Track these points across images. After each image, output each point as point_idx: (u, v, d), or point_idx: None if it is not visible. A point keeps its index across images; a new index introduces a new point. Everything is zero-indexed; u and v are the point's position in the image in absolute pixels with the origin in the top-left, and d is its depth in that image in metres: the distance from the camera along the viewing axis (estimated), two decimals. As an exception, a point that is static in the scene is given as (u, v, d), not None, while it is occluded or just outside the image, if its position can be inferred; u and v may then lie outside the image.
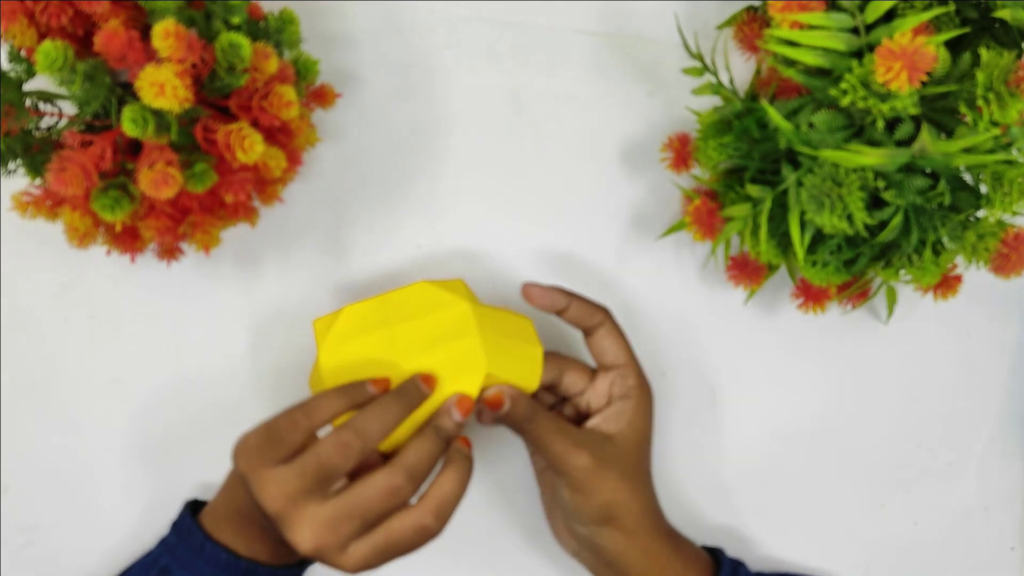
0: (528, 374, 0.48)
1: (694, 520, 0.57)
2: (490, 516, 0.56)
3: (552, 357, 0.50)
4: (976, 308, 0.58)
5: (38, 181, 0.47)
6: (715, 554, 0.52)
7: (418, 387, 0.45)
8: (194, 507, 0.50)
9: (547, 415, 0.47)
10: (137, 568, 0.48)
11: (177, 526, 0.49)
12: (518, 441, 0.56)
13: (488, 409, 0.46)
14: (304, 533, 0.40)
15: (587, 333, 0.51)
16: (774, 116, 0.45)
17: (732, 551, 0.57)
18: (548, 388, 0.51)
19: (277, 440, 0.42)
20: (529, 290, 0.50)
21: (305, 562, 0.50)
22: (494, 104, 0.58)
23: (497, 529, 0.57)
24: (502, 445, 0.56)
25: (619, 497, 0.47)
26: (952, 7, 0.45)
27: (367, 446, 0.42)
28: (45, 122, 0.47)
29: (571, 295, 0.50)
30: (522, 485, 0.56)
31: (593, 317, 0.50)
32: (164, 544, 0.48)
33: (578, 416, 0.51)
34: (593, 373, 0.51)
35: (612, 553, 0.48)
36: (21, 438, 0.55)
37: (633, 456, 0.48)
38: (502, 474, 0.56)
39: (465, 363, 0.46)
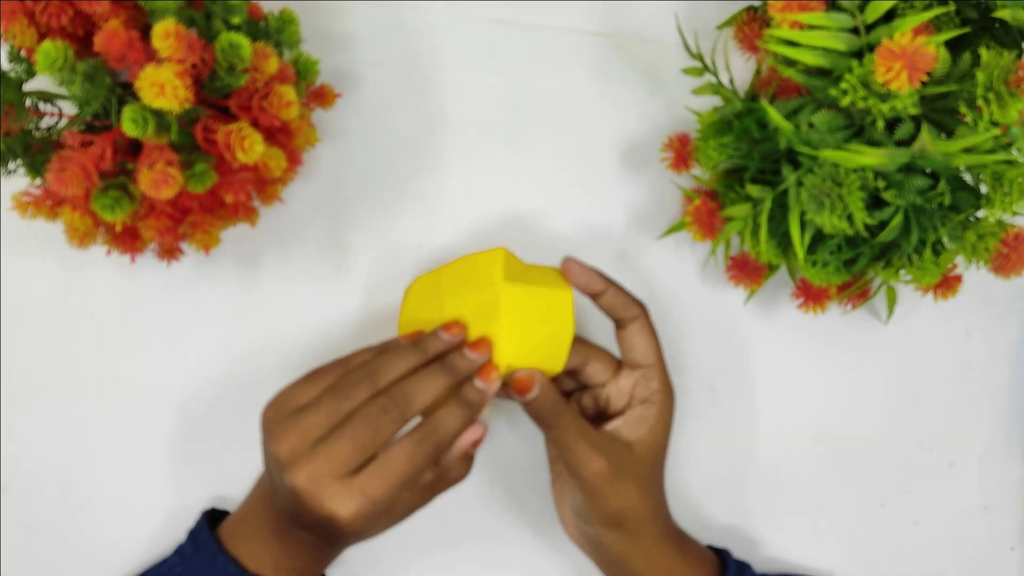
0: (553, 358, 0.47)
1: (694, 520, 0.57)
2: (496, 508, 0.56)
3: (579, 343, 0.50)
4: (976, 308, 0.58)
5: (38, 181, 0.47)
6: (721, 555, 0.52)
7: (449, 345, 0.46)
8: (213, 516, 0.50)
9: (572, 414, 0.46)
10: (153, 574, 0.48)
11: (194, 535, 0.49)
12: (525, 433, 0.56)
13: (516, 392, 0.46)
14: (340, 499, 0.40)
15: (619, 325, 0.50)
16: (774, 116, 0.45)
17: (731, 550, 0.57)
18: (570, 374, 0.51)
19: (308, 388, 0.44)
20: (569, 265, 0.48)
21: None
22: (494, 104, 0.58)
23: (504, 522, 0.57)
24: (508, 437, 0.56)
25: (630, 504, 0.47)
26: (952, 7, 0.45)
27: (407, 414, 0.43)
28: (45, 122, 0.47)
29: (610, 282, 0.49)
30: (529, 479, 0.56)
31: (628, 309, 0.49)
32: (180, 553, 0.48)
33: (597, 409, 0.50)
34: (618, 366, 0.50)
35: (617, 554, 0.48)
36: (21, 438, 0.55)
37: (649, 464, 0.48)
38: (508, 466, 0.56)
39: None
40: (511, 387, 0.46)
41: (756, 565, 0.57)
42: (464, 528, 0.56)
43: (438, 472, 0.46)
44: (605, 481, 0.46)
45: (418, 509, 0.46)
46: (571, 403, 0.50)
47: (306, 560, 0.46)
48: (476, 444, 0.45)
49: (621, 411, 0.49)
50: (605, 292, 0.48)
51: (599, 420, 0.49)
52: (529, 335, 0.46)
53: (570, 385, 0.52)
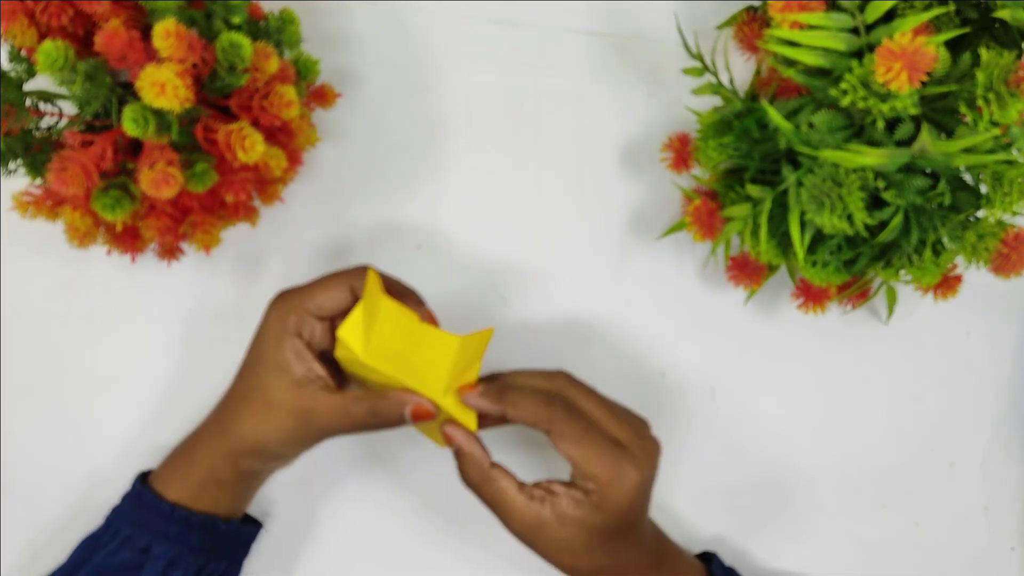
0: (473, 354, 0.46)
1: (693, 520, 0.57)
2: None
3: (541, 404, 0.45)
4: (976, 308, 0.58)
5: (38, 181, 0.47)
6: (708, 560, 0.52)
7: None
8: (144, 477, 0.50)
9: (491, 487, 0.45)
10: (91, 541, 0.48)
11: (128, 492, 0.49)
12: (527, 434, 0.56)
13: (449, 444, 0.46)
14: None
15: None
16: (774, 116, 0.45)
17: (732, 551, 0.57)
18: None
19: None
20: (463, 397, 0.46)
21: (255, 521, 0.52)
22: (494, 104, 0.58)
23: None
24: (505, 449, 0.56)
25: (562, 566, 0.45)
26: (952, 7, 0.45)
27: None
28: (45, 122, 0.47)
29: (506, 399, 0.45)
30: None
31: (537, 426, 0.44)
32: (114, 509, 0.49)
33: None
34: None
35: None
36: (21, 438, 0.55)
37: (584, 539, 0.44)
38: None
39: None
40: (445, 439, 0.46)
41: (754, 566, 0.57)
42: (465, 526, 0.56)
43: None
44: (526, 541, 0.45)
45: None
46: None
47: (220, 491, 0.48)
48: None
49: (571, 480, 0.45)
50: (505, 414, 0.45)
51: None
52: (418, 361, 0.45)
53: None
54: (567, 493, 0.44)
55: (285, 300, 0.47)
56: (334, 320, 0.47)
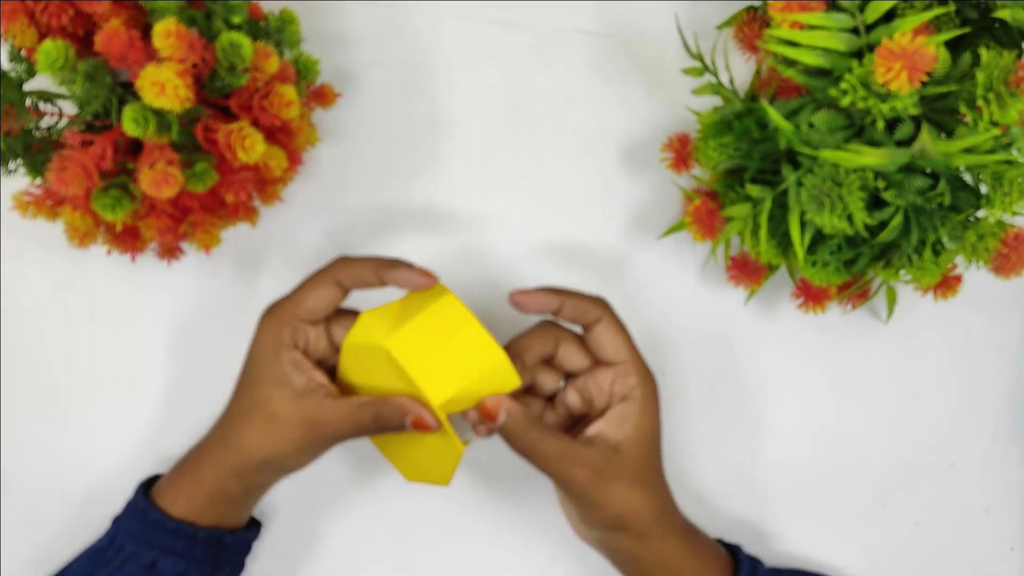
0: (483, 358, 0.45)
1: (692, 520, 0.57)
2: (500, 506, 0.56)
3: (548, 327, 0.49)
4: (976, 308, 0.58)
5: (38, 181, 0.47)
6: (733, 551, 0.51)
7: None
8: (146, 487, 0.50)
9: (545, 433, 0.45)
10: (94, 555, 0.48)
11: (129, 503, 0.49)
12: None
13: (487, 420, 0.45)
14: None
15: (585, 329, 0.48)
16: (774, 116, 0.45)
17: (732, 551, 0.57)
18: (547, 363, 0.50)
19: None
20: (517, 298, 0.47)
21: (256, 522, 0.52)
22: (494, 104, 0.58)
23: (508, 518, 0.56)
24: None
25: (628, 507, 0.46)
26: (952, 7, 0.45)
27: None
28: (45, 122, 0.47)
29: (562, 293, 0.47)
30: (534, 477, 0.56)
31: (588, 313, 0.47)
32: (115, 520, 0.48)
33: (583, 406, 0.50)
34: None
35: (627, 554, 0.47)
36: (21, 438, 0.55)
37: (641, 462, 0.46)
38: (511, 463, 0.56)
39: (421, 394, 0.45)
40: (481, 413, 0.45)
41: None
42: (467, 526, 0.56)
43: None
44: (595, 490, 0.45)
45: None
46: (557, 403, 0.50)
47: (227, 505, 0.47)
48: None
49: (603, 410, 0.48)
50: (562, 306, 0.47)
51: (585, 419, 0.49)
52: (444, 362, 0.44)
53: (551, 384, 0.51)
54: (608, 420, 0.46)
55: (275, 312, 0.46)
56: (328, 323, 0.47)
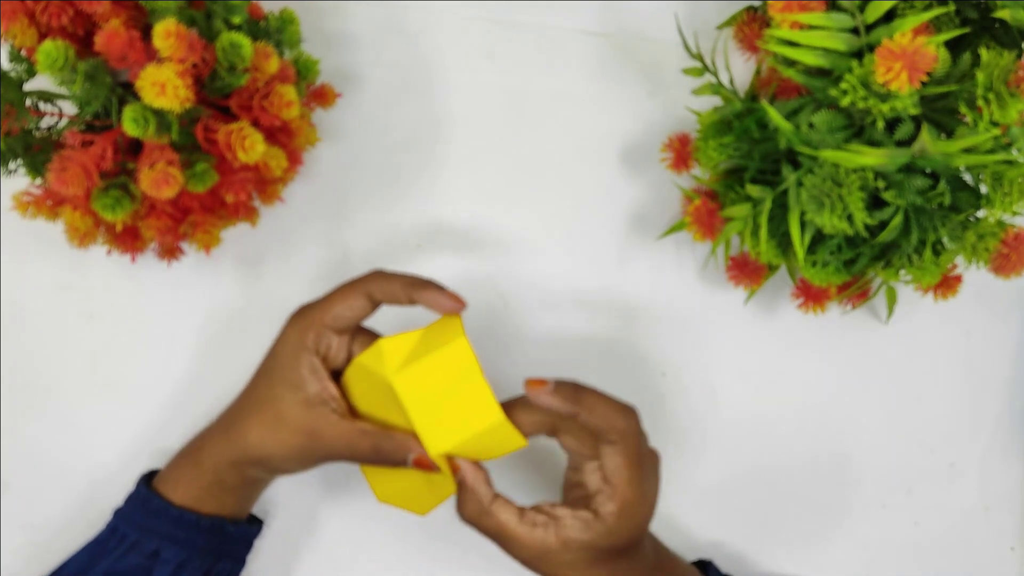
0: (503, 438, 0.44)
1: (691, 521, 0.57)
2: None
3: (572, 389, 0.44)
4: (976, 308, 0.58)
5: (39, 181, 0.47)
6: (704, 568, 0.51)
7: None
8: (147, 479, 0.50)
9: (491, 520, 0.44)
10: (96, 545, 0.48)
11: (131, 494, 0.49)
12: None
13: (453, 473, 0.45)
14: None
15: (599, 437, 0.44)
16: (774, 116, 0.45)
17: (731, 551, 0.57)
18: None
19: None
20: (528, 390, 0.43)
21: (257, 520, 0.52)
22: (494, 104, 0.58)
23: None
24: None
25: None
26: (952, 7, 0.45)
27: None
28: (46, 122, 0.47)
29: (582, 398, 0.43)
30: (532, 478, 0.56)
31: (608, 433, 0.43)
32: (117, 512, 0.48)
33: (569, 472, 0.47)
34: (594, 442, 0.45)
35: None
36: (21, 437, 0.55)
37: (588, 561, 0.44)
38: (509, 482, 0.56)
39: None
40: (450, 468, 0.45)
41: (754, 566, 0.57)
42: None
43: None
44: (535, 566, 0.44)
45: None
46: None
47: (225, 494, 0.48)
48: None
49: (581, 498, 0.45)
50: (578, 414, 0.43)
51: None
52: (446, 413, 0.43)
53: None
54: (573, 516, 0.44)
55: (304, 315, 0.46)
56: (353, 334, 0.47)
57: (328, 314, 0.46)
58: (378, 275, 0.46)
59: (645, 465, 0.45)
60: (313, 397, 0.45)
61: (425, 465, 0.44)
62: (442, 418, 0.44)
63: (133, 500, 0.48)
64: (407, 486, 0.48)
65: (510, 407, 0.45)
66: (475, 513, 0.44)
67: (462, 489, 0.45)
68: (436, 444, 0.44)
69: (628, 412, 0.44)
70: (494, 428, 0.44)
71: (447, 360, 0.43)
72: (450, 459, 0.45)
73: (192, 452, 0.48)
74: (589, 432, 0.45)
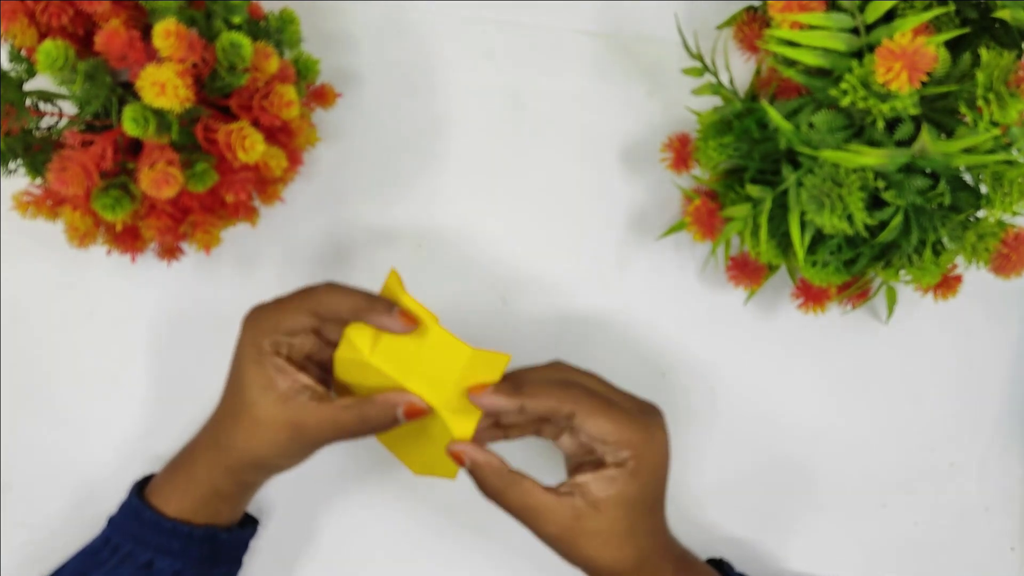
0: (485, 364, 0.45)
1: (693, 519, 0.57)
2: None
3: (552, 389, 0.45)
4: (976, 308, 0.58)
5: (39, 181, 0.47)
6: (724, 570, 0.51)
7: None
8: (140, 487, 0.50)
9: (511, 485, 0.44)
10: (88, 556, 0.48)
11: (123, 503, 0.49)
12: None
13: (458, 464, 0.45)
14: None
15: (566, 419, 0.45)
16: (774, 116, 0.45)
17: (731, 551, 0.57)
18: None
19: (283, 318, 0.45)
20: (474, 399, 0.44)
21: (252, 519, 0.53)
22: (494, 104, 0.58)
23: (510, 521, 0.57)
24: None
25: (601, 562, 0.44)
26: (952, 7, 0.45)
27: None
28: (45, 122, 0.47)
29: (522, 391, 0.44)
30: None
31: (557, 411, 0.44)
32: (111, 522, 0.48)
33: (583, 452, 0.47)
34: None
35: None
36: (21, 437, 0.55)
37: (621, 523, 0.44)
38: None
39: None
40: (450, 456, 0.45)
41: (755, 566, 0.57)
42: (466, 524, 0.56)
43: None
44: (563, 545, 0.44)
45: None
46: (560, 443, 0.48)
47: (221, 503, 0.48)
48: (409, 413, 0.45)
49: (600, 462, 0.45)
50: (523, 407, 0.44)
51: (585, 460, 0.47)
52: (428, 365, 0.44)
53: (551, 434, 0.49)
54: (596, 477, 0.44)
55: (257, 322, 0.46)
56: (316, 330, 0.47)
57: (279, 328, 0.45)
58: (329, 291, 0.45)
59: (619, 402, 0.45)
60: (286, 391, 0.44)
61: (417, 412, 0.44)
62: (427, 373, 0.44)
63: (125, 510, 0.48)
64: (431, 450, 0.48)
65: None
66: (498, 487, 0.44)
67: (476, 469, 0.44)
68: (436, 397, 0.44)
69: (566, 384, 0.45)
70: (472, 360, 0.44)
71: (423, 337, 0.44)
72: (449, 449, 0.45)
73: (184, 464, 0.48)
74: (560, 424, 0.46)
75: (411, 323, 0.44)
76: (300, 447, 0.45)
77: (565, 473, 0.48)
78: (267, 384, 0.45)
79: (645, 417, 0.45)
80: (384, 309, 0.45)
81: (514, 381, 0.45)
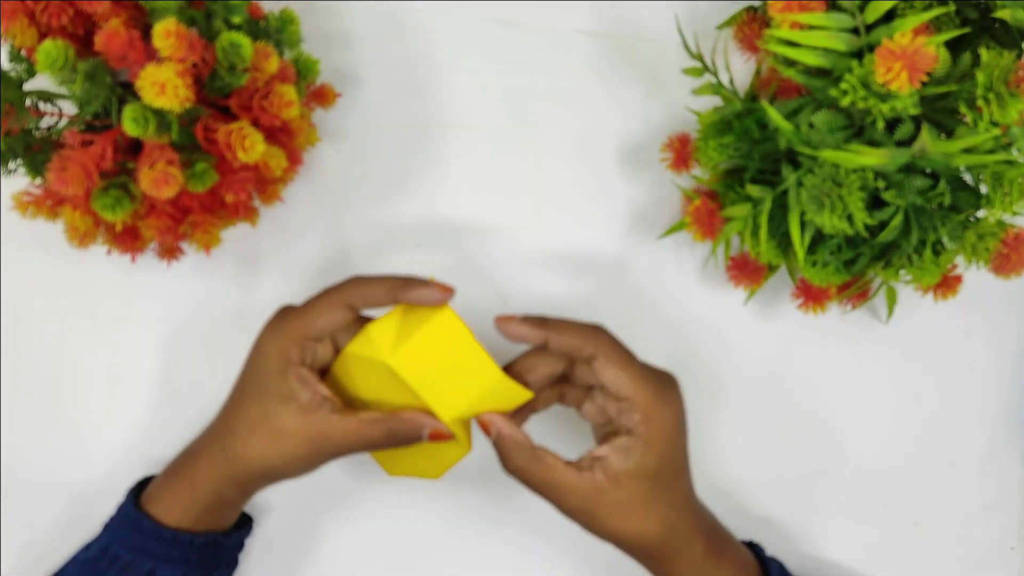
0: (507, 393, 0.45)
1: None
2: (504, 506, 0.56)
3: (562, 326, 0.46)
4: (976, 308, 0.58)
5: (38, 181, 0.47)
6: (756, 552, 0.50)
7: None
8: (141, 488, 0.50)
9: (532, 460, 0.44)
10: (87, 566, 0.47)
11: (120, 508, 0.48)
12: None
13: (484, 432, 0.46)
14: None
15: (585, 363, 0.46)
16: (774, 116, 0.45)
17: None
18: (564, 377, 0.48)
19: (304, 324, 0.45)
20: (498, 324, 0.46)
21: (248, 519, 0.53)
22: (494, 104, 0.58)
23: (510, 520, 0.57)
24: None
25: (626, 535, 0.44)
26: (952, 7, 0.45)
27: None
28: (45, 122, 0.47)
29: (549, 325, 0.45)
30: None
31: (581, 350, 0.45)
32: (107, 527, 0.48)
33: (605, 420, 0.47)
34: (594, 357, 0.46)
35: (643, 566, 0.47)
36: (21, 438, 0.55)
37: (642, 495, 0.44)
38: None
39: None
40: (479, 426, 0.46)
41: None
42: (467, 524, 0.56)
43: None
44: (586, 518, 0.44)
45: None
46: (584, 410, 0.48)
47: (223, 511, 0.48)
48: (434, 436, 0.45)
49: (617, 431, 0.45)
50: (547, 341, 0.45)
51: (607, 428, 0.47)
52: (450, 380, 0.44)
53: (573, 400, 0.49)
54: (612, 448, 0.44)
55: (283, 329, 0.45)
56: (335, 338, 0.47)
57: (310, 329, 0.45)
58: (357, 282, 0.46)
59: (639, 362, 0.46)
60: (308, 404, 0.44)
61: (441, 436, 0.44)
62: (445, 387, 0.44)
63: (123, 519, 0.48)
64: (416, 455, 0.48)
65: (509, 368, 0.47)
66: (522, 462, 0.44)
67: (501, 442, 0.45)
68: (446, 412, 0.44)
69: (595, 325, 0.46)
70: (496, 385, 0.45)
71: (438, 332, 0.44)
72: (479, 419, 0.45)
73: (185, 472, 0.47)
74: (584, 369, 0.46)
75: (447, 291, 0.45)
76: (319, 458, 0.45)
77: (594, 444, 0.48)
78: (288, 395, 0.44)
79: (661, 383, 0.45)
80: (420, 283, 0.45)
81: (541, 316, 0.46)
